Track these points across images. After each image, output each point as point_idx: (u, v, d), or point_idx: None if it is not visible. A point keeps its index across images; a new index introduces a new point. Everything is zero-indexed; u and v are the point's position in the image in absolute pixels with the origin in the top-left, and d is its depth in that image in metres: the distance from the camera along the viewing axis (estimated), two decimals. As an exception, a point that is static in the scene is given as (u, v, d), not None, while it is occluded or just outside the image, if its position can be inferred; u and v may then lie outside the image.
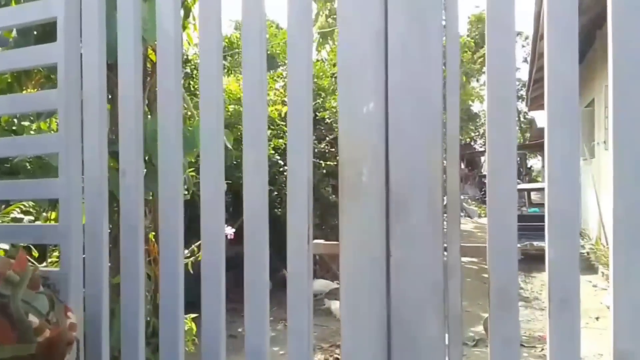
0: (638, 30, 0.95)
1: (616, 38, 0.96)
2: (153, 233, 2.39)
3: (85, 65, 1.34)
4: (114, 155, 1.52)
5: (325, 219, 5.97)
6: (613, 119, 0.96)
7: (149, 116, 2.28)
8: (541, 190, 8.93)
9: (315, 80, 6.57)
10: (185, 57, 5.45)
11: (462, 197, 15.33)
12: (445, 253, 1.05)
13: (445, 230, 1.05)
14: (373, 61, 1.09)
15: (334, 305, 4.93)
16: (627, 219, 0.93)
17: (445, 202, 1.05)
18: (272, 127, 5.49)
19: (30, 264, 1.07)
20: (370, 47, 1.09)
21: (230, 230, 4.05)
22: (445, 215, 1.05)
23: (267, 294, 1.19)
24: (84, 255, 1.37)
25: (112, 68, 1.37)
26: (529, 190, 9.56)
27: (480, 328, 4.52)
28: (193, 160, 2.68)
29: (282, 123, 5.86)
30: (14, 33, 1.99)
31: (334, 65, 8.55)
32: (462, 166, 20.19)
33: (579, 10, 0.98)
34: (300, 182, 1.14)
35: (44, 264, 2.56)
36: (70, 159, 1.34)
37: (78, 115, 1.35)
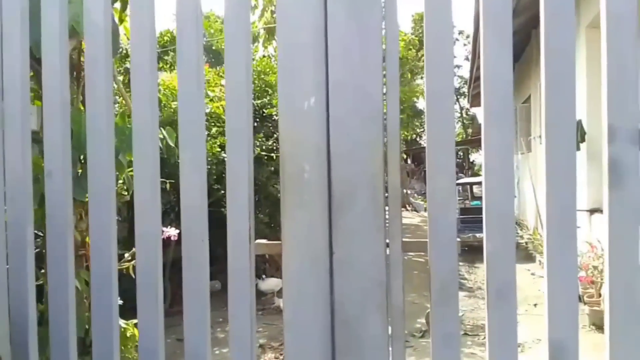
0: (567, 32, 0.98)
1: (547, 39, 0.99)
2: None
3: (7, 62, 1.23)
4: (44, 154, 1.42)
5: (274, 216, 5.92)
6: (545, 119, 0.98)
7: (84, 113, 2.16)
8: (479, 184, 9.30)
9: (263, 76, 6.48)
10: (124, 51, 5.23)
11: (409, 191, 15.69)
12: (388, 249, 1.05)
13: (387, 226, 1.05)
14: (313, 57, 1.07)
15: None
16: (559, 213, 0.97)
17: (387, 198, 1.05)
18: (217, 124, 5.37)
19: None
20: (311, 43, 1.07)
21: (174, 232, 3.93)
22: (387, 210, 1.05)
23: (207, 296, 1.15)
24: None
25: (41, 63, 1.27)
26: (471, 184, 9.93)
27: (427, 319, 4.64)
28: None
29: (229, 120, 5.74)
30: None
31: (281, 61, 8.46)
32: (409, 162, 20.67)
33: (516, 11, 1.01)
34: (241, 180, 1.10)
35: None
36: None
37: (-3, 114, 1.24)
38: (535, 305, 4.92)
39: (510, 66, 1.01)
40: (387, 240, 1.04)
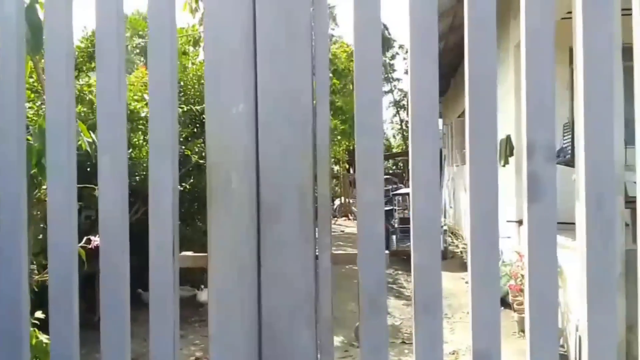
0: (489, 57, 1.00)
1: (471, 65, 1.01)
2: None
3: None
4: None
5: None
6: (469, 136, 1.00)
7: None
8: (406, 195, 9.54)
9: (203, 81, 6.34)
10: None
11: (351, 200, 15.86)
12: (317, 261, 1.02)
13: (316, 237, 1.03)
14: (242, 60, 1.04)
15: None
16: (482, 223, 0.98)
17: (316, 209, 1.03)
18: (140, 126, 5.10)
19: None
20: (239, 46, 1.04)
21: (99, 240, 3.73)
22: (316, 221, 1.03)
23: (127, 313, 1.07)
24: None
25: None
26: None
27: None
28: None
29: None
30: None
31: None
32: (351, 171, 20.93)
33: (452, 27, 1.02)
34: (164, 190, 1.04)
35: None
36: None
37: None
38: (467, 312, 5.08)
39: (436, 81, 1.02)
40: (317, 252, 1.02)
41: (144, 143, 4.83)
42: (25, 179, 1.13)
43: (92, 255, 1.83)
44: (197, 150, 5.25)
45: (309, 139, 1.03)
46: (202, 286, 5.06)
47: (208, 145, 1.06)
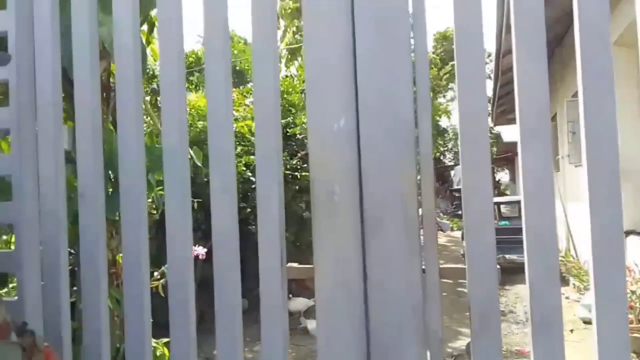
0: (604, 52, 0.94)
1: (584, 57, 0.95)
2: (121, 255, 2.28)
3: (39, 83, 1.26)
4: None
5: (300, 235, 5.89)
6: (586, 141, 0.94)
7: (114, 133, 2.19)
8: (511, 203, 9.09)
9: (285, 96, 6.54)
10: (151, 72, 5.33)
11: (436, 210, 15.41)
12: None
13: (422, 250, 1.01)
14: (342, 77, 1.06)
15: (311, 324, 4.83)
16: (604, 239, 0.92)
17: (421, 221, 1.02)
18: (242, 143, 5.41)
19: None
20: (339, 63, 1.06)
21: (202, 250, 3.94)
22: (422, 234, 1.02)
23: (240, 319, 1.13)
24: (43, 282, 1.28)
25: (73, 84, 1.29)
26: (499, 204, 9.73)
27: (458, 344, 4.51)
28: (162, 178, 2.58)
29: (253, 138, 5.79)
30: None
31: (304, 81, 8.52)
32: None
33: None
34: (271, 204, 1.08)
35: (5, 289, 2.41)
36: (24, 181, 1.25)
37: (32, 135, 1.26)
38: (571, 331, 4.74)
39: (546, 85, 0.97)
40: (423, 266, 1.00)
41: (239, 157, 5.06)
42: (146, 195, 1.23)
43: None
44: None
45: (411, 152, 1.02)
46: (290, 295, 5.16)
47: (311, 159, 1.09)
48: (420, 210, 1.03)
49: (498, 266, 0.99)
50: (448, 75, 17.61)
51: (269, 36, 1.10)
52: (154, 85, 5.53)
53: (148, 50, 2.33)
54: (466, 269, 0.97)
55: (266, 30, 1.10)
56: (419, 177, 1.03)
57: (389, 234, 1.01)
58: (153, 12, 2.21)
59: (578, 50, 0.96)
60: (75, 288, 1.98)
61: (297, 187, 5.71)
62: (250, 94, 7.16)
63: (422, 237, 1.02)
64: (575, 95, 6.66)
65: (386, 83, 1.03)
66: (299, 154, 6.28)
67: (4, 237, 2.61)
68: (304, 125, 6.58)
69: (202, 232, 4.87)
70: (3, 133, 2.07)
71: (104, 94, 2.19)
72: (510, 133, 14.64)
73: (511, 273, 6.52)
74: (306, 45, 1.09)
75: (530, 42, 0.98)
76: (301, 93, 7.15)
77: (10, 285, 2.51)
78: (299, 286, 5.66)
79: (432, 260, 1.00)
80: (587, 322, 5.04)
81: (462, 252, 8.61)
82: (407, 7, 1.03)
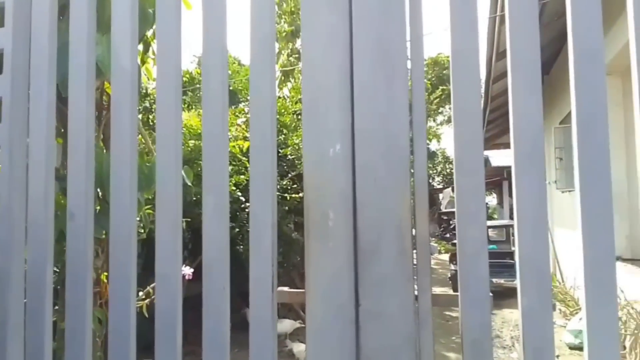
0: (598, 74, 0.96)
1: (578, 83, 0.97)
2: (106, 274, 2.24)
3: (33, 99, 1.25)
4: (65, 192, 1.42)
5: (288, 256, 5.85)
6: (579, 167, 0.96)
7: (105, 151, 2.18)
8: (498, 227, 9.14)
9: (278, 117, 6.57)
10: (144, 91, 5.34)
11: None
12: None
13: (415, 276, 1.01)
14: (339, 100, 1.07)
15: (297, 347, 4.77)
16: (596, 265, 0.92)
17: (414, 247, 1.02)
18: (233, 162, 5.41)
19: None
20: (336, 88, 1.07)
21: (188, 270, 3.89)
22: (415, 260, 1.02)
23: (227, 345, 1.11)
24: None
25: (66, 102, 1.29)
26: (487, 228, 9.79)
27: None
28: (150, 197, 2.57)
29: (244, 158, 5.79)
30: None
31: (296, 102, 8.62)
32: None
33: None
34: (264, 227, 1.08)
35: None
36: (12, 200, 1.23)
37: (23, 152, 1.25)
38: (557, 357, 4.73)
39: (540, 111, 0.99)
40: (416, 292, 1.00)
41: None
42: (135, 215, 1.21)
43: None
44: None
45: (406, 178, 1.03)
46: (283, 317, 5.10)
47: (305, 183, 1.08)
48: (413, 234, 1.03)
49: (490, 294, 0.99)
50: (438, 99, 17.85)
51: (267, 60, 1.11)
52: (146, 104, 5.53)
53: (142, 70, 2.34)
54: (459, 297, 0.97)
55: (264, 54, 1.11)
56: (412, 202, 1.03)
57: (383, 259, 1.00)
58: (149, 33, 2.22)
59: (572, 75, 0.97)
60: (56, 307, 1.94)
61: (286, 208, 5.70)
62: (242, 114, 7.18)
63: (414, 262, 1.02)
64: (563, 121, 6.79)
65: (383, 108, 1.04)
66: (289, 175, 6.29)
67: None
68: (295, 146, 6.60)
69: (189, 251, 4.82)
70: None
71: (96, 113, 2.18)
72: (498, 158, 14.80)
73: (498, 297, 6.53)
74: (304, 69, 1.11)
75: (525, 68, 0.99)
76: (293, 114, 7.19)
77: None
78: (285, 307, 5.60)
79: (425, 286, 1.00)
80: (573, 347, 5.04)
81: (449, 276, 8.60)
82: (405, 34, 1.04)
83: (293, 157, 6.56)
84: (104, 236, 2.10)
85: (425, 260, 1.01)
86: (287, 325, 5.09)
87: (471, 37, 1.01)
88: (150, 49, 2.39)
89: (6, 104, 1.24)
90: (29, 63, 1.25)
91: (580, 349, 4.91)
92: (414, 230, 1.03)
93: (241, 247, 5.16)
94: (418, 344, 0.99)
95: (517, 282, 0.95)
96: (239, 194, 5.53)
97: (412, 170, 1.04)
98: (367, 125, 1.05)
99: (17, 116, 1.24)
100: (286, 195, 5.70)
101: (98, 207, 1.95)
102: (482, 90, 9.05)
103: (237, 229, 5.42)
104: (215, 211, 1.11)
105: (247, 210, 5.33)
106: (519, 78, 0.99)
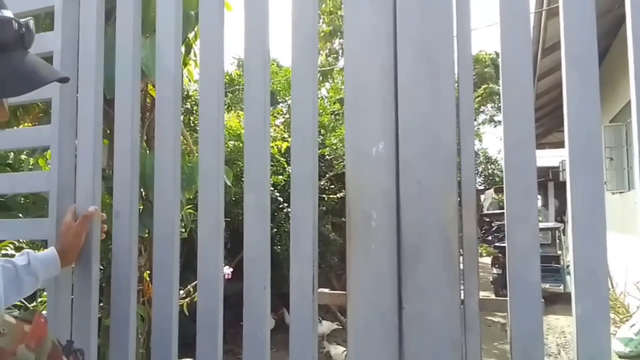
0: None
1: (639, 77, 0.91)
2: (148, 272, 2.29)
3: (81, 101, 1.28)
4: (111, 191, 1.46)
5: (325, 257, 5.84)
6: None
7: (148, 152, 2.23)
8: (543, 230, 8.84)
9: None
10: (185, 93, 5.45)
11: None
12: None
13: (462, 280, 0.97)
14: (382, 99, 1.04)
15: (335, 349, 4.74)
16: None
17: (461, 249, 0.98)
18: (271, 163, 5.44)
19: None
20: (379, 84, 1.04)
21: (227, 270, 3.94)
22: (461, 263, 0.98)
23: (268, 346, 1.10)
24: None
25: (111, 103, 1.32)
26: (538, 230, 9.49)
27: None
28: (191, 197, 2.61)
29: (282, 159, 5.82)
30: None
31: (334, 103, 8.59)
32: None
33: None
34: (306, 228, 1.06)
35: (34, 303, 2.45)
36: (61, 199, 1.26)
37: (71, 152, 1.28)
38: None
39: (597, 108, 0.93)
40: (462, 297, 0.96)
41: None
42: (179, 216, 1.23)
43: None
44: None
45: (453, 178, 0.99)
46: (320, 318, 5.10)
47: (347, 182, 1.07)
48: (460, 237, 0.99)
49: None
50: (480, 98, 17.46)
51: (310, 61, 1.10)
52: (187, 105, 5.65)
53: (184, 72, 2.38)
54: (508, 302, 0.93)
55: (307, 55, 1.10)
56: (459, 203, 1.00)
57: (427, 263, 0.97)
58: (190, 35, 2.26)
59: (632, 68, 0.91)
60: (101, 304, 2.00)
61: (324, 209, 5.68)
62: (281, 114, 7.23)
63: (461, 265, 0.99)
64: (613, 120, 6.49)
65: (428, 107, 1.01)
66: (327, 175, 6.28)
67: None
68: (333, 146, 6.59)
69: (228, 251, 4.88)
70: (42, 150, 2.13)
71: (140, 114, 2.23)
72: (543, 158, 14.32)
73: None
74: (346, 68, 1.09)
75: (581, 61, 0.94)
76: (331, 114, 7.17)
77: (39, 300, 2.55)
78: (322, 309, 5.60)
79: (472, 290, 0.96)
80: (623, 356, 4.81)
81: (491, 280, 8.39)
82: (452, 31, 1.01)
83: (331, 157, 6.54)
84: (146, 235, 2.15)
85: (473, 264, 0.97)
86: (324, 327, 5.07)
87: (523, 34, 0.97)
88: (192, 51, 2.43)
89: (55, 105, 1.28)
90: (77, 65, 1.28)
91: (631, 357, 4.68)
92: (460, 233, 0.99)
93: (279, 247, 5.18)
94: (464, 349, 0.95)
95: (572, 288, 0.90)
96: (277, 194, 5.56)
97: (460, 171, 1.00)
98: (412, 124, 1.02)
99: (66, 117, 1.27)
100: (324, 195, 5.69)
101: (141, 207, 1.99)
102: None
103: (275, 229, 5.46)
104: (256, 211, 1.11)
105: (284, 210, 5.34)
106: (574, 73, 0.94)
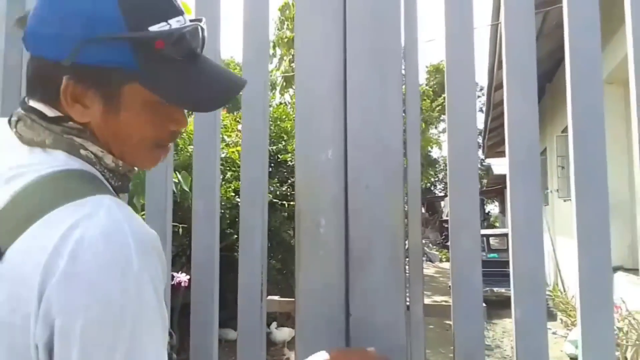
0: (594, 89, 0.95)
1: (575, 93, 0.95)
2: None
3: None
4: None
5: (287, 263, 5.82)
6: (575, 177, 0.94)
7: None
8: (499, 236, 9.08)
9: (279, 123, 6.54)
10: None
11: (423, 241, 15.40)
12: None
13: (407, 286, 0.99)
14: (332, 108, 1.05)
15: (294, 355, 4.71)
16: (592, 276, 0.90)
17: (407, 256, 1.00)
18: (232, 168, 5.38)
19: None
20: (329, 92, 1.05)
21: (184, 277, 3.86)
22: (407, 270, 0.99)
23: (215, 350, 1.08)
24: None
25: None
26: (488, 236, 9.74)
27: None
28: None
29: (244, 165, 5.77)
30: None
31: (298, 109, 8.56)
32: (423, 211, 20.45)
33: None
34: (254, 234, 1.06)
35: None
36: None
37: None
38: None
39: (535, 119, 0.97)
40: (407, 302, 0.98)
41: (223, 183, 5.03)
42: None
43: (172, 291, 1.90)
44: (271, 189, 5.38)
45: (400, 185, 1.01)
46: (275, 323, 5.05)
47: (297, 189, 1.07)
48: (406, 243, 1.01)
49: (484, 304, 0.97)
50: (440, 107, 17.86)
51: (260, 62, 1.10)
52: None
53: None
54: (451, 307, 0.95)
55: (257, 57, 1.10)
56: (406, 209, 1.01)
57: (374, 268, 0.98)
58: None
59: (569, 86, 0.96)
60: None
61: (285, 215, 5.67)
62: (243, 119, 7.16)
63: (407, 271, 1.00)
64: (565, 130, 6.77)
65: (376, 113, 1.03)
66: (289, 181, 6.27)
67: None
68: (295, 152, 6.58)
69: (187, 257, 4.79)
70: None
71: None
72: (500, 166, 14.80)
73: (499, 307, 6.46)
74: (297, 75, 1.09)
75: (522, 77, 0.98)
76: (294, 120, 7.16)
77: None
78: (283, 316, 5.55)
79: (417, 296, 0.97)
80: (574, 358, 4.99)
81: (449, 284, 8.51)
82: (400, 41, 1.03)
83: (293, 163, 6.53)
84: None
85: (417, 270, 0.99)
86: (285, 333, 5.03)
87: (466, 47, 1.00)
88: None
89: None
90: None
91: (582, 360, 4.86)
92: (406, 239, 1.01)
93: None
94: (409, 354, 0.96)
95: (512, 293, 0.93)
96: (238, 200, 5.51)
97: (406, 180, 1.02)
98: (360, 132, 1.03)
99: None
100: (284, 202, 5.67)
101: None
102: (484, 98, 9.05)
103: (236, 236, 5.40)
104: (205, 216, 1.10)
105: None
106: (515, 86, 0.98)
